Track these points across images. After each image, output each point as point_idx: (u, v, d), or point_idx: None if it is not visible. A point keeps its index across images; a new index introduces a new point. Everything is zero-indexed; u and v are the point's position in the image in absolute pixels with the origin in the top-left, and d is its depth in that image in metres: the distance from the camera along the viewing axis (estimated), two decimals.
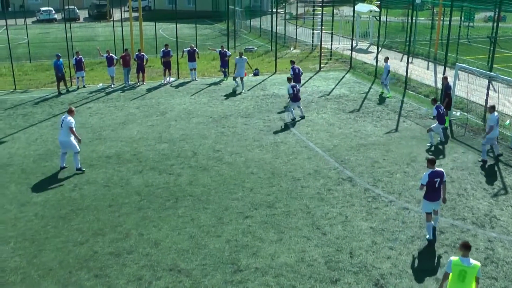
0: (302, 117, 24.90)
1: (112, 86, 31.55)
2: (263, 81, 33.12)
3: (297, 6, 57.24)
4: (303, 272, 12.92)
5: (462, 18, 44.81)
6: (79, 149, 18.82)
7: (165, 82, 32.52)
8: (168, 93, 30.02)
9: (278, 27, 41.55)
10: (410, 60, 32.07)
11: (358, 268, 13.05)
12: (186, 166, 19.36)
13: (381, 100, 28.29)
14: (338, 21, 50.73)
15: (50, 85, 31.67)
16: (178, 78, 33.65)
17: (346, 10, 60.50)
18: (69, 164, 19.26)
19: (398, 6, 51.61)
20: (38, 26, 64.17)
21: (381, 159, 19.91)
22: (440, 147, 21.25)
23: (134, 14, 52.99)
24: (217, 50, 34.54)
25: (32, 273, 12.92)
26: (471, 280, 10.36)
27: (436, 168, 14.05)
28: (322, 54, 38.26)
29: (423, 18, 54.23)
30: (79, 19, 72.54)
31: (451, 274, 10.41)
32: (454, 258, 10.47)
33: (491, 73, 24.53)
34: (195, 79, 33.32)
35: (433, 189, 14.01)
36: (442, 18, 41.66)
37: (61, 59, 29.82)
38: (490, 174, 18.68)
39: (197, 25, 41.05)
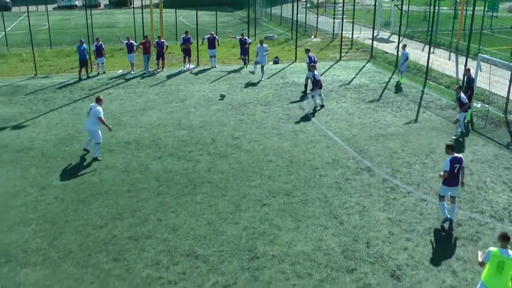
0: (322, 106, 24.85)
1: (132, 72, 31.70)
2: (283, 69, 33.06)
3: None
4: (319, 260, 12.95)
5: (486, 8, 44.23)
6: (101, 141, 18.88)
7: (185, 69, 32.59)
8: (188, 80, 30.09)
9: (298, 15, 41.39)
10: (431, 50, 31.76)
11: (374, 258, 13.05)
12: (204, 153, 19.44)
13: (401, 90, 28.09)
14: (359, 10, 50.38)
15: (70, 71, 31.93)
16: (198, 65, 33.69)
17: None
18: (86, 151, 19.48)
19: None
20: (59, 13, 64.51)
21: (400, 150, 19.82)
22: (460, 139, 21.09)
23: (155, 1, 53.01)
24: (237, 37, 34.51)
25: (53, 255, 13.12)
26: (508, 272, 10.15)
27: (455, 154, 14.12)
28: (343, 43, 38.02)
29: (445, 8, 53.68)
30: (99, 6, 72.75)
31: (488, 265, 10.28)
32: (493, 248, 10.32)
33: None
34: (215, 66, 33.34)
35: (453, 174, 14.11)
36: (465, 8, 41.19)
37: (84, 44, 30.03)
38: (511, 167, 18.50)
39: (217, 12, 41.05)
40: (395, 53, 34.09)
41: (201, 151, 19.67)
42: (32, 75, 30.98)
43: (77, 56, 30.61)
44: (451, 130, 21.64)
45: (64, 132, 21.62)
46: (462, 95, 20.91)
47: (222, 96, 26.04)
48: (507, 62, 25.74)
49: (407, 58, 28.81)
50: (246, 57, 33.52)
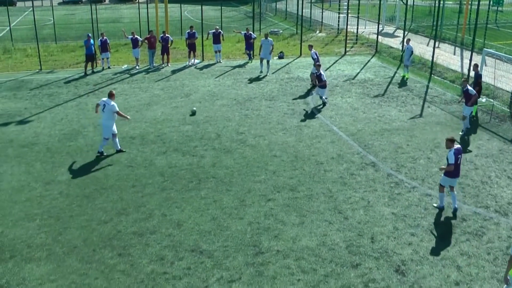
0: (324, 104, 24.66)
1: (137, 67, 31.71)
2: (287, 64, 33.01)
3: None
4: (324, 255, 12.96)
5: (491, 2, 44.06)
6: (109, 137, 18.81)
7: (190, 64, 32.58)
8: (193, 75, 30.09)
9: (303, 10, 41.32)
10: (436, 45, 31.66)
11: (379, 254, 13.04)
12: (209, 148, 19.45)
13: (406, 85, 28.02)
14: (364, 5, 50.21)
15: (75, 66, 31.97)
16: (203, 60, 33.68)
17: None
18: (91, 146, 19.52)
19: None
20: (63, 8, 64.62)
21: (405, 145, 19.78)
22: (466, 136, 20.99)
23: None
24: (242, 32, 34.46)
25: (57, 250, 13.15)
26: None
27: (455, 145, 14.53)
28: (348, 38, 37.95)
29: (450, 2, 53.46)
30: (104, 1, 72.87)
31: None
32: None
33: None
34: (220, 61, 33.32)
35: (456, 166, 14.52)
36: (470, 2, 41.02)
37: (92, 40, 30.04)
38: None
39: (222, 7, 41.00)
40: (400, 48, 33.99)
41: (206, 146, 19.67)
42: (37, 70, 31.02)
43: (83, 51, 30.64)
44: (456, 124, 21.58)
45: (69, 127, 21.65)
46: (469, 87, 20.68)
47: (193, 112, 23.18)
48: None
49: (412, 52, 28.73)
50: (251, 52, 33.49)
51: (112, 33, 39.72)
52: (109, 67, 31.62)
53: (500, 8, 49.11)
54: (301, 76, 29.69)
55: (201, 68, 31.75)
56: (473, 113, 22.31)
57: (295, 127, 21.60)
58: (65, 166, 17.96)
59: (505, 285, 10.72)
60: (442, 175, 14.89)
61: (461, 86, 21.23)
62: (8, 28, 41.53)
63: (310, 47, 28.45)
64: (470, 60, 26.20)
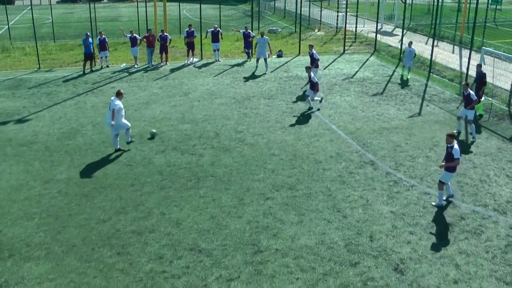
0: (310, 109, 23.84)
1: (136, 66, 31.69)
2: (286, 62, 33.01)
3: None
4: (323, 254, 12.96)
5: (489, 0, 44.09)
6: (117, 133, 18.78)
7: (188, 62, 32.57)
8: (191, 74, 30.07)
9: (302, 9, 41.31)
10: (435, 44, 31.66)
11: (378, 252, 13.05)
12: (208, 147, 19.44)
13: (405, 83, 28.03)
14: (363, 3, 50.23)
15: (74, 65, 31.94)
16: (202, 58, 33.67)
17: None
18: (89, 145, 19.52)
19: None
20: (62, 6, 64.55)
21: (404, 143, 19.79)
22: (463, 132, 21.03)
23: None
24: (241, 31, 34.44)
25: (56, 249, 13.15)
26: None
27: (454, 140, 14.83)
28: (347, 36, 37.96)
29: (449, 1, 53.49)
30: None
31: None
32: None
33: None
34: (219, 60, 33.31)
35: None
36: (468, 1, 41.02)
37: (90, 38, 30.01)
38: None
39: (221, 5, 40.98)
40: (399, 46, 34.00)
41: (205, 145, 19.67)
42: (36, 69, 30.99)
43: (82, 49, 30.60)
44: (454, 123, 21.57)
45: (67, 126, 21.64)
46: (471, 91, 20.27)
47: (152, 135, 20.52)
48: (510, 55, 25.65)
49: (415, 55, 28.62)
50: (250, 50, 33.48)
51: (111, 31, 39.70)
52: (107, 66, 31.59)
53: (498, 7, 49.14)
54: (299, 75, 29.68)
55: (199, 67, 31.74)
56: (480, 112, 22.32)
57: (294, 125, 21.59)
58: (64, 165, 17.94)
59: None
60: (444, 171, 14.92)
61: (462, 90, 20.82)
62: (7, 26, 41.48)
63: (311, 47, 28.35)
64: (469, 58, 26.21)
